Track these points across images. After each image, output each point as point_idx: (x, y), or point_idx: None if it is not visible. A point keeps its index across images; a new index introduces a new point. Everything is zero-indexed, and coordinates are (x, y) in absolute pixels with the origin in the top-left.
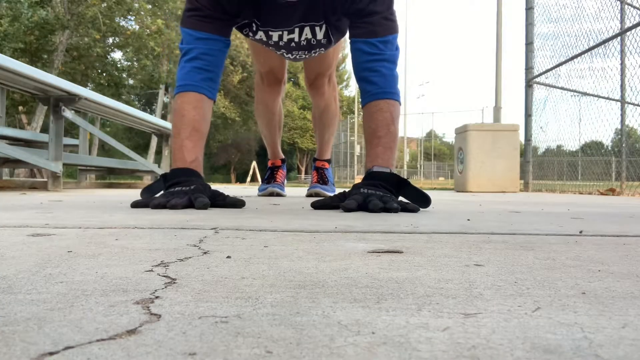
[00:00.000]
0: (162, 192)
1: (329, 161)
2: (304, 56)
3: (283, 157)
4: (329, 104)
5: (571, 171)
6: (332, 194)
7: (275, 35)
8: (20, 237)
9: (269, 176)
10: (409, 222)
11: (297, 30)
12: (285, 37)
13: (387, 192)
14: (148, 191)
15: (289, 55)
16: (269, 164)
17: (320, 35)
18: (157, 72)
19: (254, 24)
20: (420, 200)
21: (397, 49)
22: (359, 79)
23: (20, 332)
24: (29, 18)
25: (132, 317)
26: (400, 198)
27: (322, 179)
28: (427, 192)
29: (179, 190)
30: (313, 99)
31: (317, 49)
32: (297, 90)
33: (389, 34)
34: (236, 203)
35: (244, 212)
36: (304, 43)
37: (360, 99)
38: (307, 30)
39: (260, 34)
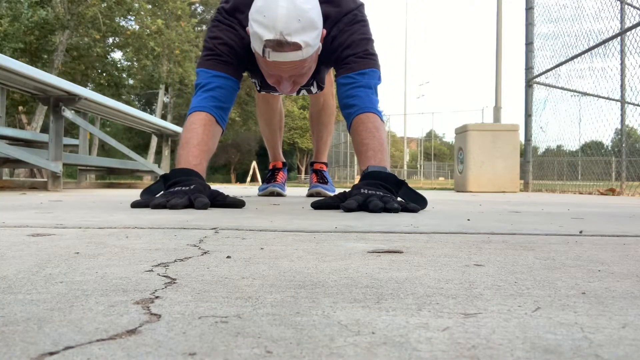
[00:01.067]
0: (162, 192)
1: (326, 164)
2: None
3: (284, 160)
4: (327, 99)
5: (571, 171)
6: (332, 194)
7: (274, 94)
8: (20, 237)
9: (269, 176)
10: (409, 222)
11: (294, 93)
12: (284, 95)
13: (387, 192)
14: (148, 192)
15: None
16: (270, 166)
17: (315, 89)
18: (157, 72)
19: (257, 84)
20: (416, 201)
21: (378, 79)
22: (342, 110)
23: (20, 332)
24: (29, 18)
25: (132, 317)
26: (399, 198)
27: (322, 179)
28: (427, 192)
29: (179, 190)
30: (311, 96)
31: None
32: None
33: (365, 68)
34: (236, 203)
35: (244, 212)
36: (301, 94)
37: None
38: (303, 91)
39: (263, 91)
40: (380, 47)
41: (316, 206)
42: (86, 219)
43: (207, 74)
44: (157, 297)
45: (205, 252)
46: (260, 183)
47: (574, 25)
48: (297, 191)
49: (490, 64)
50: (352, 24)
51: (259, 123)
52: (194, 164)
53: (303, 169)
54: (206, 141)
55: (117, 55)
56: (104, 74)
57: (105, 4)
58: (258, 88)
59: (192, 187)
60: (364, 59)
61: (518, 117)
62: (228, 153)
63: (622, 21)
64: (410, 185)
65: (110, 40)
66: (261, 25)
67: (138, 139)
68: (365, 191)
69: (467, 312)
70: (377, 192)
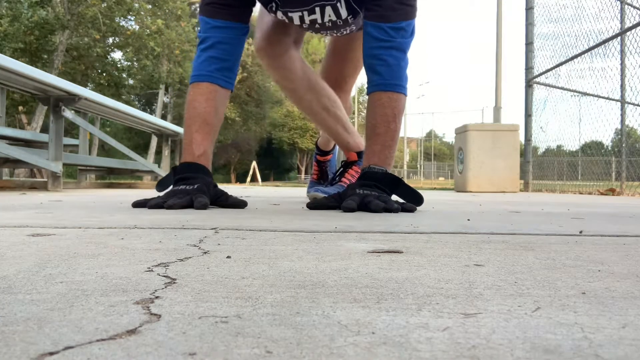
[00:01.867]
0: (171, 187)
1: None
2: (334, 34)
3: (361, 147)
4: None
5: (571, 171)
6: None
7: (295, 17)
8: (20, 237)
9: (338, 174)
10: (409, 222)
11: (318, 10)
12: (307, 19)
13: (382, 192)
14: (162, 184)
15: (318, 34)
16: (341, 162)
17: (344, 13)
18: (157, 72)
19: (273, 3)
20: (413, 198)
21: (411, 34)
22: (366, 66)
23: (20, 332)
24: (29, 18)
25: (132, 317)
26: (395, 197)
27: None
28: (427, 192)
29: (182, 189)
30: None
31: (346, 27)
32: None
33: (402, 19)
34: (239, 203)
35: (244, 212)
36: (329, 24)
37: (366, 90)
38: (329, 9)
39: (280, 14)
40: None
41: (312, 207)
42: (86, 219)
43: (206, 25)
44: (157, 297)
45: (205, 252)
46: (260, 183)
47: (574, 25)
48: (297, 191)
49: (490, 64)
50: None
51: (302, 109)
52: (198, 155)
53: (303, 169)
54: (209, 120)
55: (117, 55)
56: (104, 74)
57: (105, 4)
58: (274, 8)
59: (195, 186)
60: (403, 5)
61: (518, 117)
62: (228, 153)
63: (622, 21)
64: (410, 185)
65: (110, 40)
66: None
67: (138, 139)
68: (361, 191)
69: (467, 312)
70: (373, 192)
